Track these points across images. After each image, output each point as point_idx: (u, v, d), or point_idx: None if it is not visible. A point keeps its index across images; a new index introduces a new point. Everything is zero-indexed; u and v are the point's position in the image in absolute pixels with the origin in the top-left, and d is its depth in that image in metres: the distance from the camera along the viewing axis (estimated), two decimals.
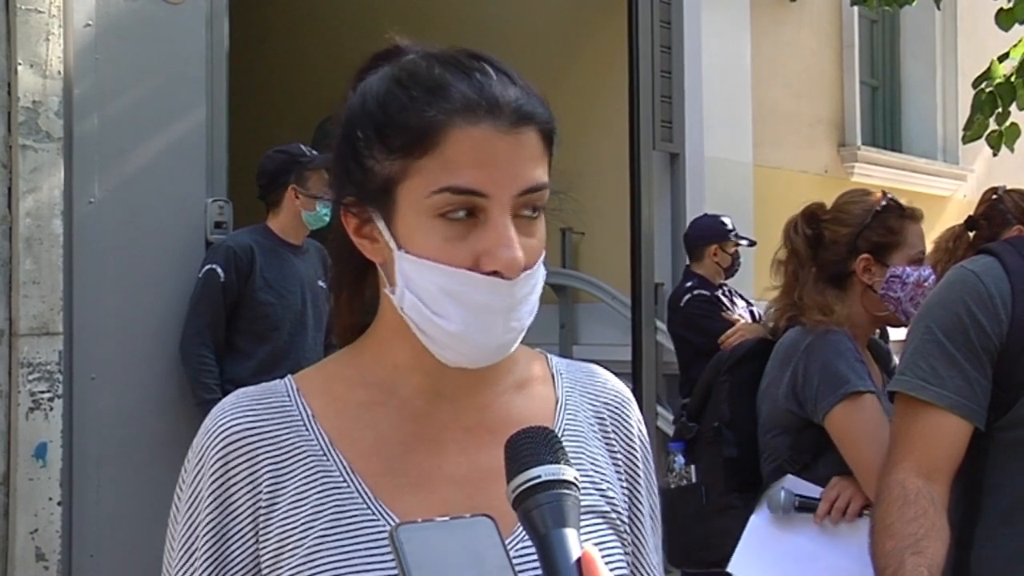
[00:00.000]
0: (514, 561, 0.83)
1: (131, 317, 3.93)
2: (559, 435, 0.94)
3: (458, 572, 0.81)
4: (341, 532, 1.04)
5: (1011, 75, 4.90)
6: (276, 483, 1.07)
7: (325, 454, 1.08)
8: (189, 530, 1.08)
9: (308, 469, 1.07)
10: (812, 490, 2.42)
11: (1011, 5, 4.79)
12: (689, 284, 5.15)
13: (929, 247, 2.73)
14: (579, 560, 0.84)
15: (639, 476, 1.20)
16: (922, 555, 1.69)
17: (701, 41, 6.43)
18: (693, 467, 2.63)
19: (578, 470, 0.91)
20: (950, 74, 8.85)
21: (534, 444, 0.90)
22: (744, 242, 5.26)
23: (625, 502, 1.17)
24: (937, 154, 8.88)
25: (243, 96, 5.30)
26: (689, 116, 6.32)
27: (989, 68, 4.96)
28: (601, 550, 1.04)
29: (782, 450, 2.47)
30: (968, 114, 5.10)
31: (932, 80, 8.92)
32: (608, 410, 1.20)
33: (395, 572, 0.82)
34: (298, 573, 1.03)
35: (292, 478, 1.07)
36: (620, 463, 1.18)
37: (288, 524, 1.05)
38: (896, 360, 2.30)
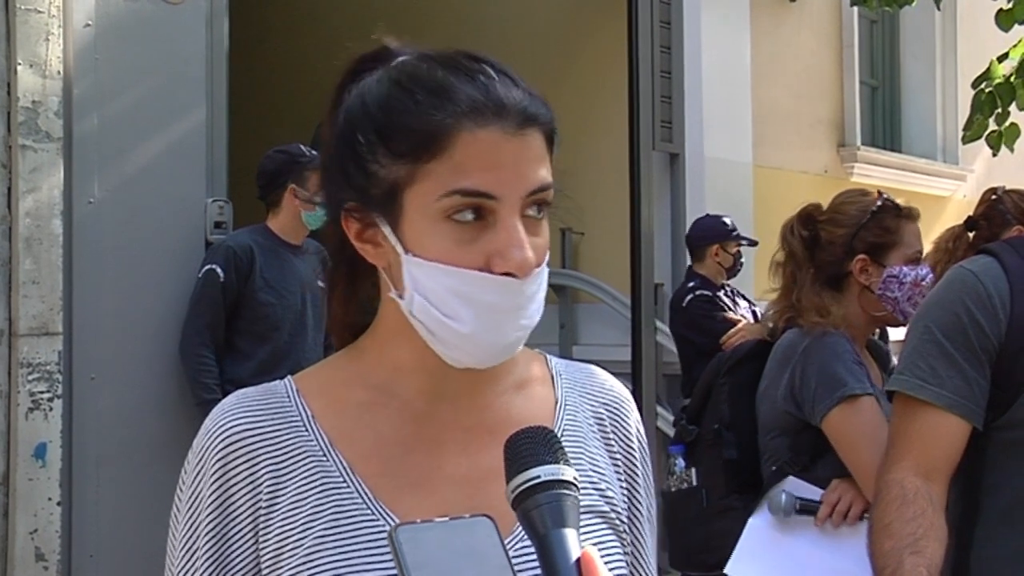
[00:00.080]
0: (514, 561, 0.84)
1: (131, 317, 3.92)
2: (558, 435, 0.94)
3: (458, 572, 0.81)
4: (341, 532, 1.04)
5: (1011, 75, 4.90)
6: (276, 483, 1.07)
7: (325, 455, 1.08)
8: (190, 530, 1.09)
9: (308, 470, 1.07)
10: (813, 492, 2.41)
11: (1011, 5, 4.79)
12: (691, 284, 5.15)
13: (928, 247, 2.73)
14: (578, 560, 0.84)
15: (638, 477, 1.21)
16: (921, 555, 1.69)
17: (701, 41, 6.42)
18: (693, 470, 2.63)
19: (577, 470, 0.91)
20: (950, 74, 8.85)
21: (533, 444, 0.91)
22: (745, 242, 5.26)
23: (624, 502, 1.18)
24: (937, 154, 8.87)
25: (243, 96, 5.30)
26: (689, 116, 6.31)
27: (989, 68, 4.96)
28: (600, 550, 1.04)
29: (782, 451, 2.47)
30: (968, 114, 5.10)
31: (932, 80, 8.92)
32: (607, 411, 1.20)
33: (395, 572, 0.82)
34: (298, 573, 1.03)
35: (292, 479, 1.07)
36: (619, 463, 1.19)
37: (288, 524, 1.05)
38: (895, 360, 2.30)
